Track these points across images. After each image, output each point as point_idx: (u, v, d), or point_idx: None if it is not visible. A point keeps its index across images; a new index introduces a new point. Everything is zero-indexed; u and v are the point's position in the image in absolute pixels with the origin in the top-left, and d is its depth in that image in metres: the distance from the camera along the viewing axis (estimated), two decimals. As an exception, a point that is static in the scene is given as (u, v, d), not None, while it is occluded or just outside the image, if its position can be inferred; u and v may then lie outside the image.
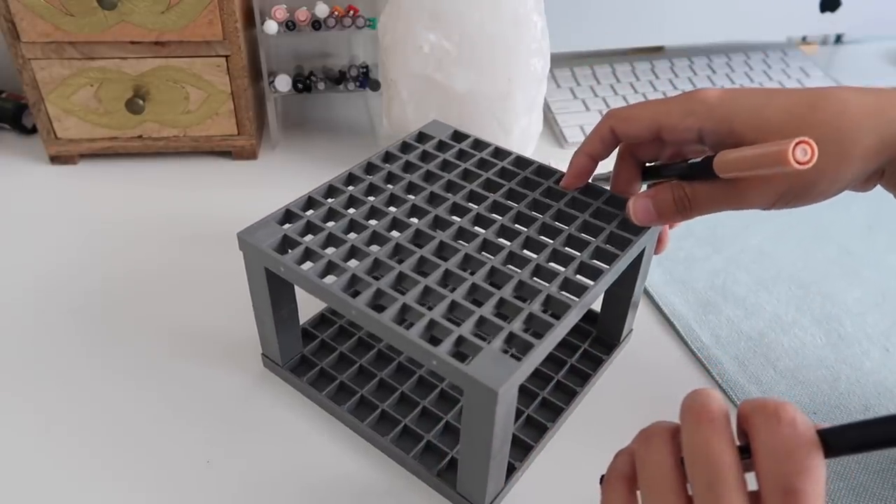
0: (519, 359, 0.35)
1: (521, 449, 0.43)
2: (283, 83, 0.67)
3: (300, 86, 0.68)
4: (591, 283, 0.40)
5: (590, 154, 0.44)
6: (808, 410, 0.47)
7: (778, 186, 0.37)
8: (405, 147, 0.51)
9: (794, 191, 0.37)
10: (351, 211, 0.45)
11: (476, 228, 0.44)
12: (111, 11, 0.58)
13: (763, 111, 0.37)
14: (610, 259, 0.41)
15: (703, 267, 0.59)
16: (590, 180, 0.46)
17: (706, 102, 0.38)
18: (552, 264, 0.41)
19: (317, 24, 0.64)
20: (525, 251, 0.42)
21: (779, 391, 0.48)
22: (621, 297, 0.48)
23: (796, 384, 0.49)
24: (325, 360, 0.48)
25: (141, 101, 0.63)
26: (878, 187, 0.41)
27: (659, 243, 0.48)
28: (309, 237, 0.42)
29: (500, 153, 0.50)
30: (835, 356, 0.51)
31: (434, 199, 0.46)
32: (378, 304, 0.38)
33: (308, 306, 0.49)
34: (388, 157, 0.50)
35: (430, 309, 0.37)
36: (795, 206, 0.39)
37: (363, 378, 0.47)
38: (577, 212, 0.45)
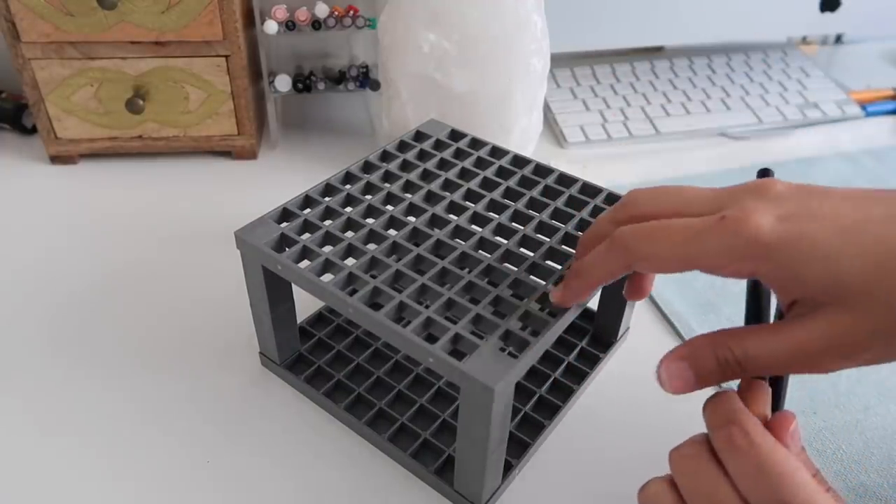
0: (516, 356, 0.35)
1: (519, 447, 0.43)
2: (283, 83, 0.67)
3: (300, 86, 0.68)
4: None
5: (596, 286, 0.37)
6: (808, 410, 0.47)
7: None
8: (402, 146, 0.51)
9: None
10: (348, 209, 0.45)
11: (473, 227, 0.44)
12: (111, 11, 0.58)
13: (839, 262, 0.29)
14: (607, 257, 0.41)
15: (703, 266, 0.58)
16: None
17: (759, 243, 0.30)
18: (549, 262, 0.41)
19: (317, 24, 0.65)
20: (522, 249, 0.42)
21: (777, 390, 0.48)
22: (618, 294, 0.48)
23: (796, 384, 0.49)
24: (323, 358, 0.48)
25: (141, 101, 0.63)
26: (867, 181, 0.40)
27: (638, 291, 0.41)
28: (306, 235, 0.42)
29: (497, 152, 0.50)
30: (834, 355, 0.51)
31: (431, 198, 0.46)
32: (375, 302, 0.39)
33: (306, 305, 0.49)
34: (385, 155, 0.50)
35: (426, 307, 0.37)
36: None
37: (360, 376, 0.47)
38: (574, 210, 0.45)
